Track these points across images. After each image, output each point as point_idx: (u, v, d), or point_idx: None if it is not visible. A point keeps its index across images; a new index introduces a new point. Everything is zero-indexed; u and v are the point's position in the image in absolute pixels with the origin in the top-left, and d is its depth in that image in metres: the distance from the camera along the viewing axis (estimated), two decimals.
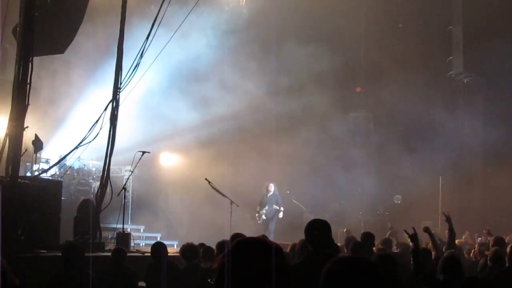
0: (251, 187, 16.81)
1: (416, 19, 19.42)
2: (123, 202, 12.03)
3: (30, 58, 9.92)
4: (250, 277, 2.12)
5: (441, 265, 6.04)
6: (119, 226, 11.76)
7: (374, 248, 8.49)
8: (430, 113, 18.63)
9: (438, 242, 9.56)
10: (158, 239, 15.59)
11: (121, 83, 11.10)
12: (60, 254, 7.46)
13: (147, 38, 10.97)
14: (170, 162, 19.39)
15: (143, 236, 16.52)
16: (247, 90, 18.46)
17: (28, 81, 9.89)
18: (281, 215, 16.31)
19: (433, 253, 8.04)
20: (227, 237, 8.20)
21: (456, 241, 9.71)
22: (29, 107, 10.00)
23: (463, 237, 13.51)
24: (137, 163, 12.49)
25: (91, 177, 16.14)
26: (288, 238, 12.81)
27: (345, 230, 14.02)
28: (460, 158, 19.28)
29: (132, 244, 11.72)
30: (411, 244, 6.46)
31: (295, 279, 2.24)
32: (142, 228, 16.91)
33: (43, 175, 12.60)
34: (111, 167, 11.44)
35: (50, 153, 15.38)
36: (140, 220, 16.76)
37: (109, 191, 11.36)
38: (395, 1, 19.43)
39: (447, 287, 5.78)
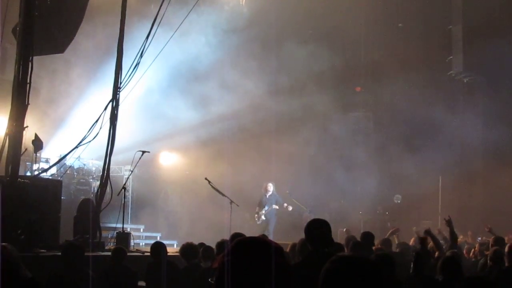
0: (251, 186, 16.79)
1: (416, 18, 19.41)
2: (123, 202, 12.03)
3: (30, 58, 9.92)
4: (250, 277, 2.12)
5: (440, 265, 6.04)
6: (119, 225, 11.77)
7: (374, 248, 8.49)
8: (430, 112, 18.61)
9: (442, 240, 9.58)
10: (158, 238, 15.60)
11: (121, 83, 11.10)
12: (60, 253, 7.46)
13: (147, 37, 10.97)
14: (170, 161, 19.39)
15: (143, 236, 16.53)
16: (247, 90, 18.45)
17: (28, 81, 9.90)
18: (290, 208, 16.20)
19: (436, 253, 8.05)
20: (227, 236, 8.20)
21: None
22: (29, 106, 10.01)
23: (461, 236, 13.51)
24: (137, 163, 12.49)
25: (91, 177, 16.15)
26: (288, 238, 12.82)
27: (344, 229, 14.00)
28: (460, 157, 19.27)
29: (132, 244, 11.73)
30: (417, 246, 6.43)
31: (295, 279, 2.24)
32: (142, 227, 16.92)
33: (43, 175, 12.60)
34: (111, 166, 11.44)
35: (50, 152, 15.38)
36: (140, 219, 16.76)
37: (109, 190, 11.36)
38: (395, 1, 19.44)
39: (446, 287, 5.78)
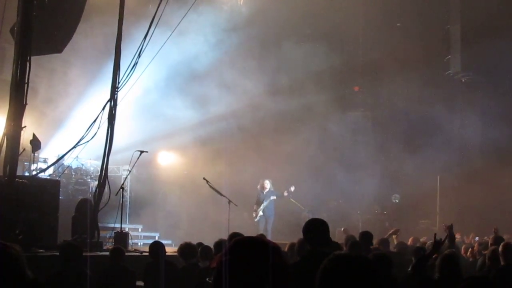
0: (250, 186, 16.78)
1: (414, 18, 19.42)
2: (121, 202, 12.02)
3: (28, 58, 9.90)
4: (248, 276, 2.12)
5: (439, 263, 6.05)
6: (117, 225, 11.75)
7: (372, 248, 8.49)
8: (428, 112, 18.64)
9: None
10: (156, 238, 15.59)
11: (119, 83, 11.09)
12: (58, 253, 7.45)
13: (145, 37, 10.96)
14: (168, 161, 19.38)
15: (141, 236, 16.52)
16: (246, 89, 18.46)
17: (26, 81, 9.88)
18: (292, 188, 16.03)
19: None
20: (225, 236, 8.21)
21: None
22: (27, 106, 9.98)
23: (458, 236, 13.52)
24: (135, 163, 12.49)
25: (89, 177, 16.14)
26: (286, 237, 12.82)
27: (342, 229, 14.02)
28: (458, 157, 19.30)
29: (130, 244, 11.72)
30: (426, 246, 6.37)
31: (293, 278, 2.24)
32: (140, 227, 16.91)
33: (41, 175, 12.60)
34: (109, 166, 11.41)
35: (48, 152, 15.37)
36: (138, 219, 16.75)
37: (107, 190, 11.35)
38: (393, 1, 19.44)
39: (443, 285, 5.79)
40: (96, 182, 12.44)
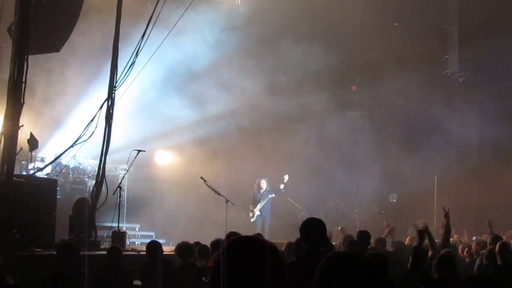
0: (247, 185, 16.77)
1: (412, 17, 19.42)
2: (118, 201, 12.01)
3: (26, 57, 9.89)
4: (245, 276, 2.12)
5: (436, 263, 6.06)
6: (115, 224, 11.76)
7: (369, 247, 8.50)
8: (426, 111, 18.65)
9: (437, 239, 9.58)
10: (154, 237, 15.60)
11: (116, 82, 11.08)
12: (55, 252, 7.44)
13: (143, 36, 10.95)
14: (166, 160, 19.37)
15: (138, 235, 16.54)
16: (244, 89, 18.45)
17: (24, 80, 9.86)
18: (286, 178, 15.97)
19: (430, 252, 8.05)
20: (222, 235, 8.21)
21: (450, 239, 9.73)
22: (25, 105, 9.97)
23: (455, 236, 13.53)
24: (133, 162, 12.49)
25: (86, 176, 16.14)
26: (283, 237, 12.81)
27: (339, 228, 14.01)
28: (456, 156, 19.30)
29: (127, 243, 11.72)
30: (417, 240, 6.39)
31: (290, 278, 2.24)
32: (137, 226, 16.92)
33: (39, 174, 12.58)
34: (106, 165, 11.41)
35: (46, 151, 15.37)
36: (135, 218, 16.76)
37: (105, 189, 11.34)
38: (391, 0, 19.45)
39: (441, 285, 5.80)
40: (94, 181, 12.44)
